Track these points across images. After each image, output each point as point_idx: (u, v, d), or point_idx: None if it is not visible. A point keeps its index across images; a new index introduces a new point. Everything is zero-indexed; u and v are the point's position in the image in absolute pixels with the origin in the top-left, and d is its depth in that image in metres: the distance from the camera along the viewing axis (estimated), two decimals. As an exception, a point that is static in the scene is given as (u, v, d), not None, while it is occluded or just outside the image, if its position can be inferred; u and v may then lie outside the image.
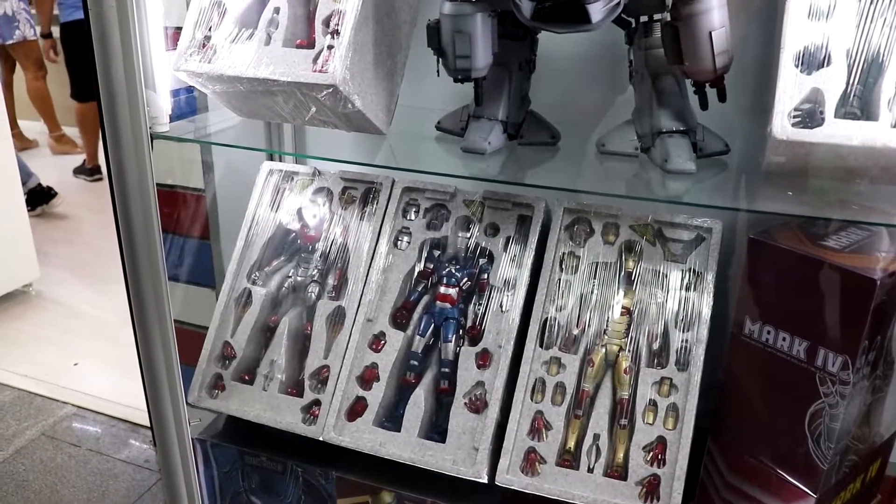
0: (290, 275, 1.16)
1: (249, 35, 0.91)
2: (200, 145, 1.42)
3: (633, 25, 0.92)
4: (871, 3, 0.78)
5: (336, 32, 0.85)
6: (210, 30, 0.93)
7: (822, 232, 0.90)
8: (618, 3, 0.76)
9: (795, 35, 0.79)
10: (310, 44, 0.88)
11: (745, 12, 0.99)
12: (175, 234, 1.53)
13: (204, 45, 0.92)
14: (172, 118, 1.09)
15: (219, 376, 1.13)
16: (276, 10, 0.91)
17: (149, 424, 1.08)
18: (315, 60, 0.86)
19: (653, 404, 0.95)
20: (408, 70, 1.00)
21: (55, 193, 3.66)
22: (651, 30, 0.90)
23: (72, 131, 4.56)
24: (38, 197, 3.62)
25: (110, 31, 0.89)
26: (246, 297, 1.16)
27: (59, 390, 2.20)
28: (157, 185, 1.42)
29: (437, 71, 0.89)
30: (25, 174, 3.56)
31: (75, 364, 2.38)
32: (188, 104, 1.12)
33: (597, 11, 0.74)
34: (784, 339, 0.88)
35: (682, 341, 0.97)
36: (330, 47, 0.85)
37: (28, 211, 3.55)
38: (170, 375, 1.03)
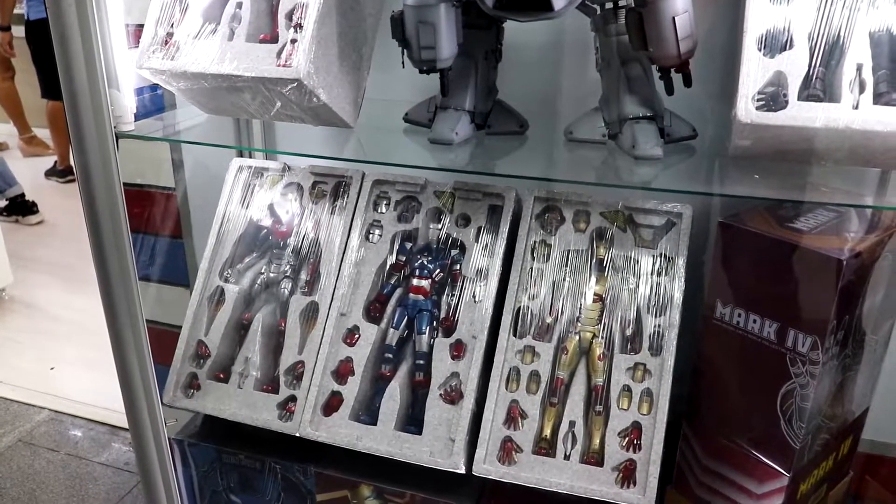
0: (262, 271, 1.16)
1: (212, 30, 0.90)
2: (169, 143, 1.40)
3: (599, 12, 0.92)
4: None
5: (299, 26, 0.85)
6: (172, 26, 0.92)
7: (790, 214, 0.91)
8: (580, -10, 0.76)
9: (758, 19, 0.79)
10: (273, 38, 0.87)
11: (710, -3, 0.99)
12: (146, 233, 1.52)
13: (166, 42, 0.91)
14: (138, 116, 1.08)
15: (194, 375, 1.12)
16: (239, 5, 0.90)
17: (127, 426, 1.07)
18: (279, 55, 0.85)
19: (627, 390, 0.95)
20: (374, 62, 1.00)
21: (36, 210, 3.61)
22: (616, 16, 0.90)
23: (42, 133, 4.50)
24: (18, 207, 3.57)
25: (70, 31, 0.88)
26: (219, 295, 1.15)
27: (35, 395, 2.17)
28: (127, 184, 1.41)
29: (402, 63, 0.89)
30: (7, 182, 3.51)
31: (52, 368, 2.35)
32: (153, 102, 1.11)
33: (559, -1, 0.74)
34: (755, 321, 0.89)
35: (655, 326, 0.97)
36: (293, 41, 0.84)
37: (2, 216, 3.52)
38: (144, 376, 1.02)
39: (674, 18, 0.81)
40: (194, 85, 0.91)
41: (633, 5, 0.84)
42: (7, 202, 3.57)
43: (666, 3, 0.81)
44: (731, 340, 0.91)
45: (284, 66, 0.84)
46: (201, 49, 0.89)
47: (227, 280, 1.15)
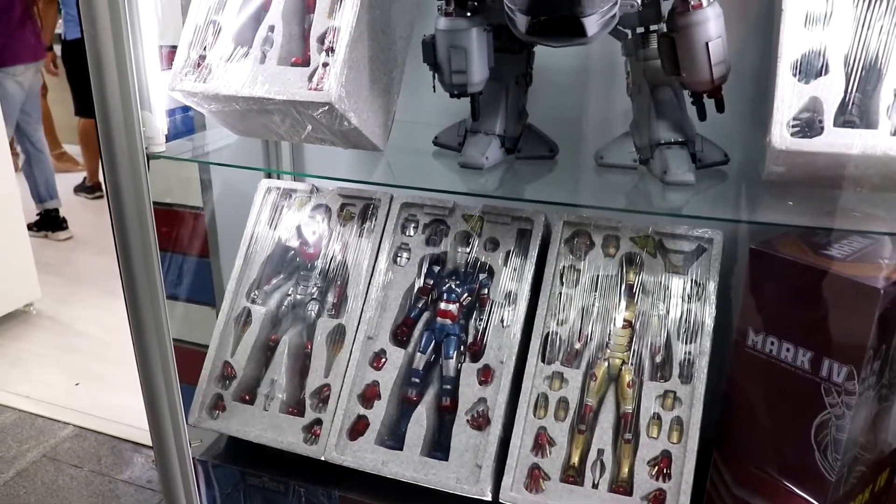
0: (289, 293, 1.16)
1: (244, 54, 0.91)
2: (198, 164, 1.42)
3: (630, 37, 0.92)
4: (867, 9, 0.78)
5: (331, 50, 0.85)
6: (205, 49, 0.93)
7: (824, 241, 0.89)
8: (613, 16, 0.76)
9: (792, 43, 0.78)
10: (305, 61, 0.88)
11: (743, 21, 0.99)
12: (174, 252, 1.53)
13: (199, 65, 0.92)
14: (169, 137, 1.09)
15: (219, 396, 1.12)
16: (271, 29, 0.91)
17: (151, 444, 1.07)
18: (310, 78, 0.86)
19: (657, 418, 0.94)
20: (404, 85, 1.00)
21: (66, 227, 3.66)
22: (648, 41, 0.89)
23: (72, 149, 4.56)
24: (49, 222, 3.62)
25: (105, 53, 0.89)
26: (245, 316, 1.15)
27: (60, 411, 2.19)
28: (156, 203, 1.42)
29: (434, 86, 0.89)
30: (49, 193, 3.56)
31: (77, 384, 2.36)
32: (184, 123, 1.11)
33: (592, 24, 0.74)
34: (788, 349, 0.87)
35: (686, 353, 0.96)
36: (325, 65, 0.84)
37: (32, 231, 3.56)
38: (169, 396, 1.02)
39: (707, 44, 0.81)
40: (226, 107, 0.92)
41: (665, 30, 0.84)
42: (39, 215, 3.62)
43: (699, 28, 0.80)
44: (763, 368, 0.90)
45: (316, 89, 0.84)
46: (233, 72, 0.89)
47: (254, 301, 1.16)
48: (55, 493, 1.88)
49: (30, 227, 3.55)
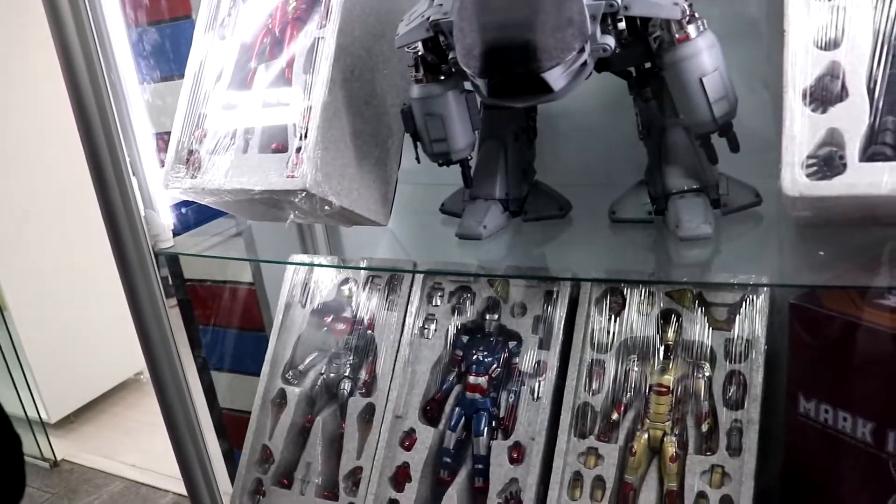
0: (322, 371, 1.12)
1: (229, 144, 0.89)
2: (244, 240, 1.42)
3: (634, 75, 0.83)
4: (888, 17, 0.66)
5: (305, 133, 0.82)
6: (193, 143, 0.91)
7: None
8: (583, 64, 0.68)
9: (801, 68, 0.67)
10: (285, 147, 0.85)
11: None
12: (235, 328, 1.55)
13: (188, 160, 0.91)
14: (192, 225, 1.10)
15: (259, 481, 1.10)
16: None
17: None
18: (287, 164, 0.82)
19: (703, 497, 0.83)
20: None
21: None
22: (647, 79, 0.81)
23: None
24: None
25: (104, 163, 0.91)
26: (281, 398, 1.13)
27: (162, 479, 2.26)
28: (213, 281, 1.44)
29: (417, 157, 0.84)
30: None
31: (182, 451, 2.43)
32: (199, 212, 1.11)
33: (556, 79, 0.66)
34: (845, 419, 0.75)
35: (733, 422, 0.84)
36: (298, 150, 0.81)
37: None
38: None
39: (701, 80, 0.71)
40: (220, 199, 0.90)
41: (653, 68, 0.75)
42: None
43: (690, 63, 0.71)
44: (819, 440, 0.78)
45: (291, 176, 0.81)
46: (218, 164, 0.88)
47: (288, 382, 1.13)
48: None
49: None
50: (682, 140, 0.81)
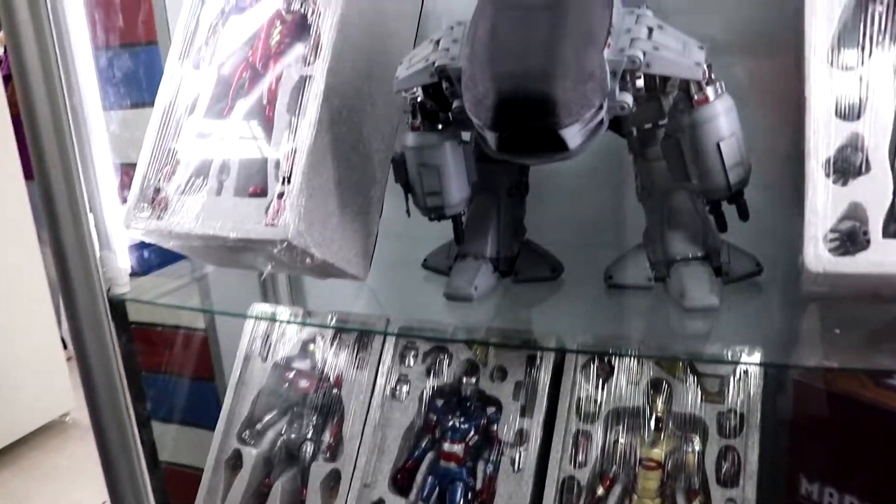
0: (283, 432, 1.04)
1: (201, 184, 0.82)
2: (199, 287, 1.33)
3: (635, 134, 0.79)
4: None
5: (288, 178, 0.75)
6: (160, 180, 0.84)
7: (886, 366, 0.73)
8: (600, 122, 0.64)
9: (822, 137, 0.65)
10: (264, 190, 0.78)
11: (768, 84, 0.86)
12: (182, 376, 1.45)
13: (153, 199, 0.83)
14: (148, 269, 1.02)
15: (208, 553, 1.01)
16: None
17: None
18: (266, 211, 0.76)
19: (698, 586, 0.78)
20: (399, 195, 0.89)
21: None
22: (653, 138, 0.77)
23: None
24: None
25: (58, 197, 0.83)
26: (236, 459, 1.04)
27: (84, 533, 2.10)
28: (163, 325, 1.34)
29: (407, 210, 0.78)
30: None
31: (104, 502, 2.27)
32: (161, 254, 1.03)
33: (573, 136, 0.62)
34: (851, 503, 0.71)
35: (727, 500, 0.80)
36: (280, 195, 0.74)
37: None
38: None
39: (718, 144, 0.68)
40: (185, 244, 0.83)
41: (669, 130, 0.72)
42: None
43: (707, 127, 0.68)
44: (825, 527, 0.74)
45: (271, 224, 0.74)
46: (188, 206, 0.81)
47: (244, 442, 1.05)
48: None
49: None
50: (687, 204, 0.78)
